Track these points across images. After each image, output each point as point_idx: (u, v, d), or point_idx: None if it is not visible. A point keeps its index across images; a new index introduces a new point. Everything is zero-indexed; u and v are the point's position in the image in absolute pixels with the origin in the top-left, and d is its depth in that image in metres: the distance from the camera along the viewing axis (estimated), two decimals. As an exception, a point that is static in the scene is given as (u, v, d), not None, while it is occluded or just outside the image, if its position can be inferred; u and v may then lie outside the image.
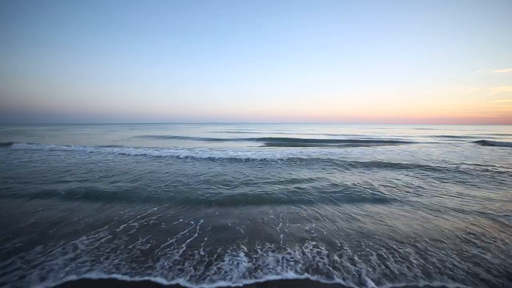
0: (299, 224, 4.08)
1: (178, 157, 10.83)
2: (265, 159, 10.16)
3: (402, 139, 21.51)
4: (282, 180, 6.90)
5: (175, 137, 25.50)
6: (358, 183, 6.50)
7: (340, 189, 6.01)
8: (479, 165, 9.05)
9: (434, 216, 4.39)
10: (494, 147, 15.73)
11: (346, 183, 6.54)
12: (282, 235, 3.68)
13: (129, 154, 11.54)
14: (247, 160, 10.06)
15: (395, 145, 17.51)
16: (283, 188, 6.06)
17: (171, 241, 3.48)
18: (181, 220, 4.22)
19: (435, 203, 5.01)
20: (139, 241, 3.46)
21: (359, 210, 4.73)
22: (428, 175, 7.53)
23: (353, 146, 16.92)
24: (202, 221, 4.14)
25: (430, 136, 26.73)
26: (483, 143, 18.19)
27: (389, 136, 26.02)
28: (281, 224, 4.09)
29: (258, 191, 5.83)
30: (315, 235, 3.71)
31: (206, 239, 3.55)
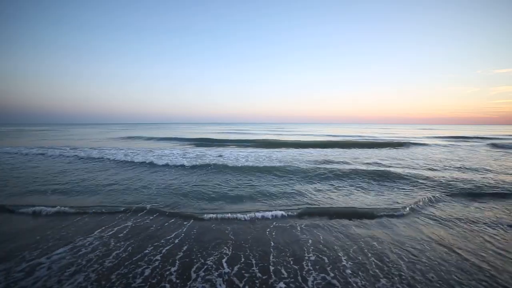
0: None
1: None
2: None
3: (405, 140, 20.01)
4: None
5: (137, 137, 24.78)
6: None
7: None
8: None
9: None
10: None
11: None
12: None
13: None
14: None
15: (397, 147, 16.44)
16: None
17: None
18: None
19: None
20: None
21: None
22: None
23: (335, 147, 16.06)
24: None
25: (436, 137, 25.64)
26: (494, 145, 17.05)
27: (389, 137, 25.04)
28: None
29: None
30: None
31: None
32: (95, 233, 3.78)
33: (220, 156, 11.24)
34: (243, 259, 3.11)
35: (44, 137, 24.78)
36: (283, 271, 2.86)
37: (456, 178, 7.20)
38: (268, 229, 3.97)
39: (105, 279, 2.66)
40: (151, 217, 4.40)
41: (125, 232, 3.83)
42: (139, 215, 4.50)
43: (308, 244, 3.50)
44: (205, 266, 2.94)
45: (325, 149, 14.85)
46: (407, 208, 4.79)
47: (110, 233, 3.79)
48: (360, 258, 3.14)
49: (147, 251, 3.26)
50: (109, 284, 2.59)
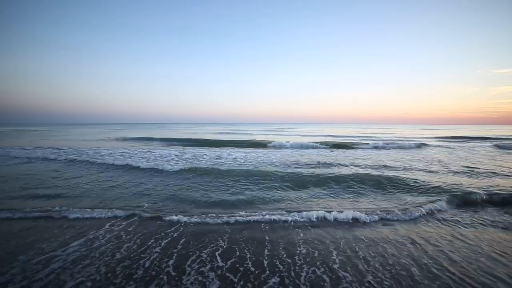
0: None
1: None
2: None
3: (409, 141, 19.25)
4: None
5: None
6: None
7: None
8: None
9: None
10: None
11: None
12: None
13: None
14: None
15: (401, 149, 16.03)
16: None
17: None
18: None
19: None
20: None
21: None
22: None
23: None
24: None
25: (439, 138, 25.19)
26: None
27: (389, 137, 24.72)
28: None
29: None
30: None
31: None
32: (106, 226, 4.14)
33: (218, 157, 11.26)
34: (238, 253, 3.31)
35: (42, 138, 24.88)
36: (277, 264, 3.05)
37: (466, 182, 6.91)
38: (261, 228, 4.13)
39: (111, 271, 2.87)
40: (151, 216, 4.57)
41: (133, 226, 4.13)
42: (140, 213, 4.67)
43: (301, 243, 3.68)
44: (200, 259, 3.14)
45: (325, 150, 14.90)
46: (404, 213, 4.70)
47: (120, 227, 4.11)
48: (347, 253, 3.31)
49: (149, 243, 3.56)
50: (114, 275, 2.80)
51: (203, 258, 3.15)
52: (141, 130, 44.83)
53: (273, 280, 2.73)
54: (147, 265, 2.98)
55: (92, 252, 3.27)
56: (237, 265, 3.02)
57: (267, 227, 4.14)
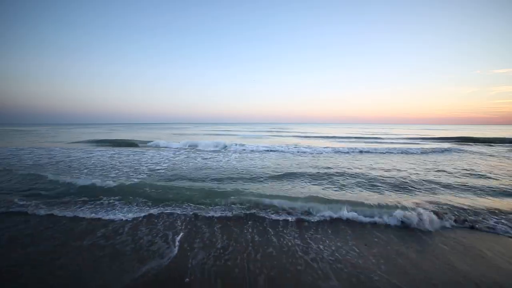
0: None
1: None
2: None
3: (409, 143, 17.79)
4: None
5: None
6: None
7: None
8: None
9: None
10: None
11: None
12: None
13: None
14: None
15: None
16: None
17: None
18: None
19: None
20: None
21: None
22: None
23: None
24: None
25: (445, 139, 23.64)
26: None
27: (390, 139, 23.17)
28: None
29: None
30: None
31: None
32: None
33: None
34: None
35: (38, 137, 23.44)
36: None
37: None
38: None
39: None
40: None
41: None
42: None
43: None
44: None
45: (320, 154, 13.04)
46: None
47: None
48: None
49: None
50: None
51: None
52: (143, 130, 42.51)
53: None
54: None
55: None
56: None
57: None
